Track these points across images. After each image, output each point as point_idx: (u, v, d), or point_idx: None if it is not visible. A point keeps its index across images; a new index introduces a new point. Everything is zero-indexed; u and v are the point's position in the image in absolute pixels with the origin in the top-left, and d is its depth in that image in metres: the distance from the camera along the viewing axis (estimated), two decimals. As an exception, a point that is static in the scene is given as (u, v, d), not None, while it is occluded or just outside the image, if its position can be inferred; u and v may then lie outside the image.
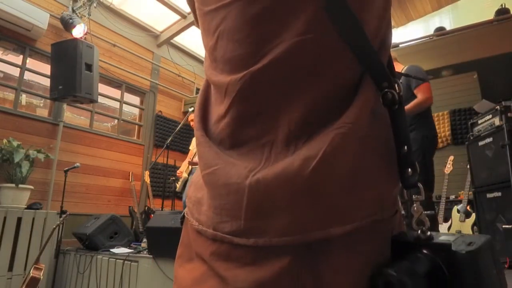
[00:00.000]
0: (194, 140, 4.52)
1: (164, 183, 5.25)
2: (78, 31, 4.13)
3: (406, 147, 0.47)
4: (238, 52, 0.47)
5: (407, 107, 2.46)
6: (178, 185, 4.36)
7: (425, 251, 0.41)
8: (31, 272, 2.59)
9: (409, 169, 0.47)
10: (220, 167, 0.47)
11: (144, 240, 3.22)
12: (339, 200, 0.43)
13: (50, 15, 4.17)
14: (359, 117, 0.43)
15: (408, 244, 0.43)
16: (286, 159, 0.43)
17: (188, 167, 4.28)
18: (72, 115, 4.81)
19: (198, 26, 0.58)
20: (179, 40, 5.87)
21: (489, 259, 0.40)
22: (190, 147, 4.57)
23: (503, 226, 2.54)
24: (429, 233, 0.42)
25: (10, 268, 3.16)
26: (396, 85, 0.46)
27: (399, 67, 2.87)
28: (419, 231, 0.43)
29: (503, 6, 4.65)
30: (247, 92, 0.46)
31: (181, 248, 0.57)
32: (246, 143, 0.47)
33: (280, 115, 0.45)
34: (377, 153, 0.47)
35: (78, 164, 3.99)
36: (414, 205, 0.47)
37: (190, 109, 5.19)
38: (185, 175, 4.25)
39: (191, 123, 4.55)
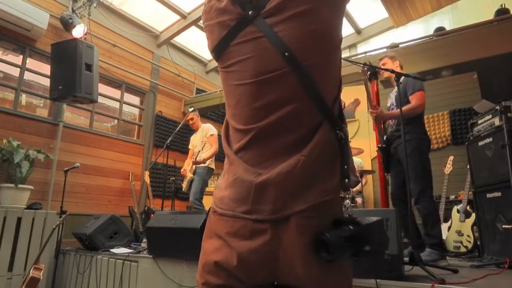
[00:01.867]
0: (192, 139, 4.54)
1: (164, 183, 5.25)
2: (78, 31, 4.13)
3: (346, 166, 0.79)
4: (251, 114, 0.79)
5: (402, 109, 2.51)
6: (184, 185, 4.36)
7: (350, 226, 0.71)
8: (31, 272, 2.58)
9: (347, 180, 0.79)
10: (241, 173, 0.78)
11: (144, 240, 3.22)
12: (299, 192, 0.73)
13: (50, 15, 4.18)
14: (313, 148, 0.75)
15: (340, 221, 0.74)
16: (272, 171, 0.75)
17: (192, 167, 4.27)
18: (72, 115, 4.81)
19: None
20: (179, 40, 5.87)
21: (377, 229, 0.73)
22: (190, 147, 4.57)
23: (503, 226, 2.54)
24: (353, 216, 0.76)
25: (10, 268, 3.16)
26: (343, 129, 0.79)
27: None
28: (347, 215, 0.79)
29: (503, 6, 4.64)
30: (257, 136, 0.79)
31: (206, 231, 0.85)
32: (257, 161, 0.79)
33: (275, 148, 0.77)
34: (325, 166, 0.76)
35: (78, 164, 3.99)
36: (347, 200, 0.82)
37: (190, 109, 5.19)
38: (190, 175, 4.26)
39: (190, 122, 4.55)
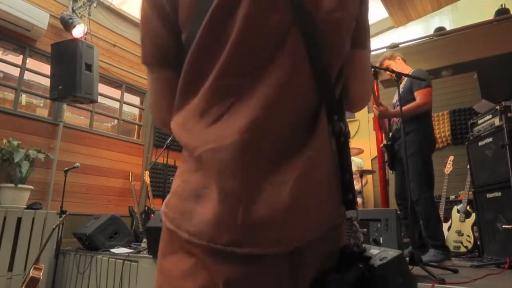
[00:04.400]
0: None
1: (164, 183, 5.24)
2: (78, 31, 4.13)
3: (348, 174, 0.58)
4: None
5: (404, 108, 2.46)
6: None
7: (357, 262, 0.52)
8: (31, 272, 2.58)
9: (350, 194, 0.58)
10: (220, 180, 0.58)
11: (144, 240, 3.22)
12: (312, 209, 0.54)
13: (50, 15, 4.17)
14: (320, 147, 0.55)
15: (348, 255, 0.53)
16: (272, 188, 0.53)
17: None
18: (72, 115, 4.81)
19: None
20: (179, 40, 5.86)
21: (396, 271, 0.51)
22: None
23: (503, 226, 2.53)
24: (363, 246, 0.54)
25: (10, 268, 3.16)
26: (345, 120, 0.58)
27: (406, 69, 2.86)
28: (356, 246, 0.54)
29: (503, 6, 4.65)
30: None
31: (162, 243, 0.63)
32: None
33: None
34: (330, 176, 0.57)
35: (78, 164, 3.99)
36: (354, 222, 0.57)
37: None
38: None
39: None
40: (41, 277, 2.59)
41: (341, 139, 0.58)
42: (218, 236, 0.52)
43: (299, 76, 0.56)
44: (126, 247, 3.50)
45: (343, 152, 0.59)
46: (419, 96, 2.64)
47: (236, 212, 0.51)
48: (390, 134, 2.91)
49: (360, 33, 0.65)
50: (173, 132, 0.65)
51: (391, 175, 3.77)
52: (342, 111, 0.60)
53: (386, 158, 2.99)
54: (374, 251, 0.52)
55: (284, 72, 0.55)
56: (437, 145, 5.03)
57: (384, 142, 2.98)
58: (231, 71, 0.56)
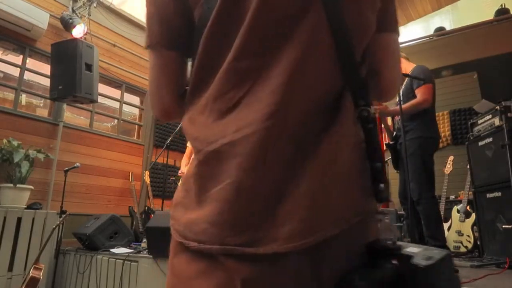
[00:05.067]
0: None
1: (164, 183, 5.24)
2: (78, 31, 4.13)
3: (379, 163, 0.53)
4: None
5: (404, 106, 2.45)
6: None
7: (392, 261, 0.45)
8: (30, 272, 2.58)
9: (382, 184, 0.52)
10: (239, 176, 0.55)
11: (144, 240, 3.21)
12: (336, 202, 0.49)
13: (50, 15, 4.17)
14: (345, 133, 0.51)
15: (379, 252, 0.47)
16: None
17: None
18: (72, 115, 4.81)
19: None
20: (179, 40, 5.86)
21: (444, 274, 0.44)
22: (188, 144, 4.53)
23: (503, 226, 2.53)
24: (397, 243, 0.47)
25: (10, 268, 3.16)
26: (370, 105, 0.53)
27: (409, 66, 2.85)
28: (388, 241, 0.47)
29: (503, 6, 4.65)
30: None
31: (173, 243, 0.61)
32: None
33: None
34: (357, 165, 0.53)
35: (78, 164, 3.99)
36: (385, 216, 0.52)
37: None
38: None
39: None
40: (41, 277, 2.59)
41: (369, 125, 0.53)
42: (230, 237, 0.48)
43: (321, 56, 0.52)
44: (126, 247, 3.50)
45: (371, 140, 0.53)
46: (419, 92, 2.61)
47: (253, 208, 0.48)
48: (394, 133, 2.90)
49: (388, 15, 0.61)
50: (183, 128, 0.60)
51: (391, 175, 3.77)
52: (368, 96, 0.54)
53: (389, 157, 2.99)
54: (414, 249, 0.45)
55: (304, 51, 0.50)
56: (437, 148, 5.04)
57: (388, 141, 2.97)
58: (249, 51, 0.52)
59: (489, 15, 4.60)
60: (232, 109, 0.52)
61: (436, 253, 0.44)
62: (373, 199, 0.53)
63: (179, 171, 4.44)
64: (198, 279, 0.52)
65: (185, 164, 4.40)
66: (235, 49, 0.52)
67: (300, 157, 0.49)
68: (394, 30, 0.64)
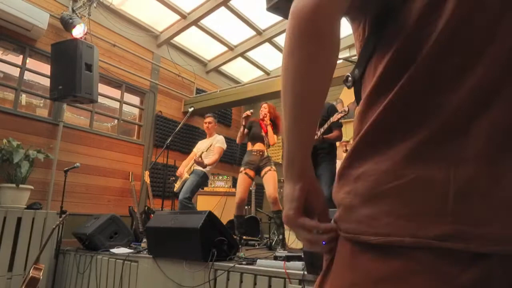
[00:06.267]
0: (200, 144, 4.48)
1: (164, 183, 5.25)
2: (78, 31, 4.13)
3: None
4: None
5: None
6: (177, 185, 4.33)
7: None
8: (30, 272, 2.59)
9: None
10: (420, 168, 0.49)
11: (144, 240, 3.22)
12: None
13: (50, 15, 4.17)
14: None
15: None
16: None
17: (190, 168, 4.25)
18: (72, 115, 4.81)
19: None
20: (179, 40, 5.87)
21: None
22: (195, 149, 4.51)
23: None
24: None
25: (10, 268, 3.16)
26: None
27: None
28: None
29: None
30: None
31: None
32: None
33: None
34: None
35: (78, 164, 3.99)
36: None
37: (190, 109, 5.20)
38: (186, 175, 4.23)
39: (206, 125, 4.47)
40: (41, 277, 2.60)
41: None
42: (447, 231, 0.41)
43: None
44: (126, 247, 3.50)
45: None
46: None
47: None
48: None
49: None
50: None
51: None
52: None
53: None
54: None
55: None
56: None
57: None
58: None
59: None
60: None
61: None
62: None
63: (177, 171, 4.42)
64: (387, 285, 0.45)
65: (184, 166, 4.40)
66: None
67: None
68: None
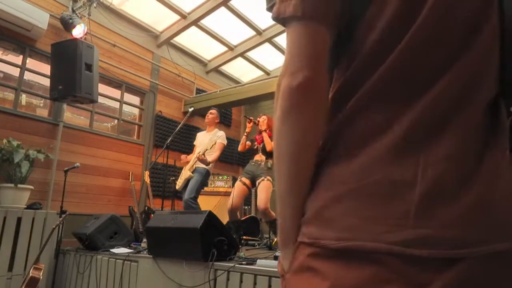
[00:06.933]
0: (200, 136, 4.48)
1: (164, 183, 5.25)
2: (78, 31, 4.13)
3: None
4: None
5: None
6: (179, 183, 4.31)
7: None
8: (30, 272, 2.59)
9: None
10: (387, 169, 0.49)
11: (144, 240, 3.21)
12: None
13: (50, 15, 4.17)
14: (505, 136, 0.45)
15: None
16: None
17: (192, 165, 4.22)
18: (72, 115, 4.81)
19: None
20: (179, 40, 5.87)
21: None
22: (195, 143, 4.50)
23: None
24: None
25: (10, 268, 3.16)
26: None
27: None
28: None
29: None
30: None
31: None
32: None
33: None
34: None
35: (78, 164, 3.99)
36: None
37: (190, 109, 5.20)
38: (188, 173, 4.20)
39: (209, 116, 4.48)
40: (41, 277, 2.60)
41: None
42: (416, 241, 0.40)
43: (489, 68, 0.47)
44: (126, 247, 3.50)
45: None
46: None
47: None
48: None
49: None
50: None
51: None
52: None
53: None
54: None
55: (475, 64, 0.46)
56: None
57: None
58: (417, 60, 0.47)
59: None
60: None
61: None
62: None
63: (186, 157, 4.39)
64: None
65: (189, 159, 4.36)
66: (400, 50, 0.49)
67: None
68: None
